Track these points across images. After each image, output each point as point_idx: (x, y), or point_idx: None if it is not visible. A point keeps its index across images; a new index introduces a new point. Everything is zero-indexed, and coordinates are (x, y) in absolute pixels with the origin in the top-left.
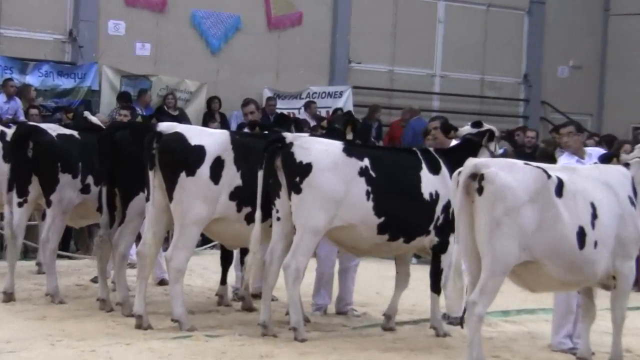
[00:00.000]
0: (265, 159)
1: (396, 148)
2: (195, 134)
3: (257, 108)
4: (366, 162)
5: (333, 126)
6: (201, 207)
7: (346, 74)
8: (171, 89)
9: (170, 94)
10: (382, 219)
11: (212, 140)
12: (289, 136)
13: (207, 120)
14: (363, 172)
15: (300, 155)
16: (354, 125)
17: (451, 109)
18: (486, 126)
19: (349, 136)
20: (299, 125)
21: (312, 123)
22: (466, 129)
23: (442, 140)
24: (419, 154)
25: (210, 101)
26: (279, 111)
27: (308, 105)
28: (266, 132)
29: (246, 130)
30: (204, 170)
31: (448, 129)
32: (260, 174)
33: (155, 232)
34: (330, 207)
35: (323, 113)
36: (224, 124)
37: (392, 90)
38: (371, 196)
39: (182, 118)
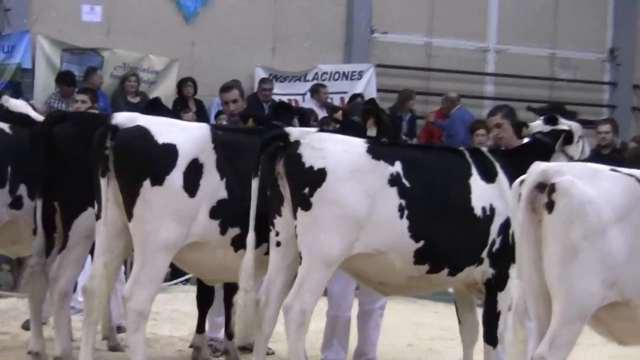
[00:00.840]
0: (261, 163)
1: (437, 147)
2: (164, 128)
3: (241, 95)
4: (398, 166)
5: (350, 119)
6: (171, 227)
7: (367, 48)
8: (130, 68)
9: (132, 75)
10: (421, 243)
11: (187, 136)
12: (294, 132)
13: (179, 109)
14: (394, 180)
15: (310, 158)
16: (379, 118)
17: (510, 95)
18: (563, 124)
19: (371, 132)
20: (304, 118)
21: (322, 114)
22: (537, 125)
23: (510, 139)
24: (467, 155)
25: (183, 84)
26: (276, 98)
27: (316, 90)
28: (261, 126)
29: (225, 122)
30: (176, 177)
31: (519, 125)
32: (255, 183)
33: (108, 261)
34: (349, 229)
35: (336, 101)
36: (202, 115)
37: (430, 69)
38: (405, 213)
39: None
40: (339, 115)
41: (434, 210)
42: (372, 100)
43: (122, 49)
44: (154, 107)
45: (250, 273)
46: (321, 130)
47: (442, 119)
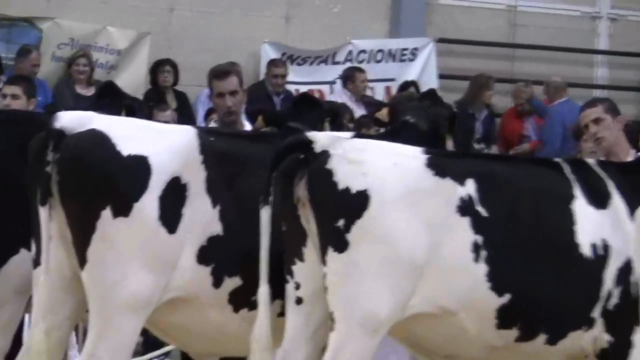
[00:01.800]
0: (273, 184)
1: (525, 159)
2: (131, 133)
3: (240, 83)
4: (471, 187)
5: (401, 118)
6: (142, 277)
7: (424, 16)
8: (81, 46)
9: (83, 56)
10: (505, 298)
11: (164, 145)
12: (320, 138)
13: (152, 105)
14: (466, 206)
15: (346, 176)
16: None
17: (630, 82)
18: None
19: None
20: (336, 116)
21: (359, 111)
22: None
23: (614, 141)
24: (568, 170)
25: (158, 69)
26: (292, 88)
27: (350, 77)
28: (275, 128)
29: (213, 124)
30: (148, 204)
31: (636, 130)
32: (265, 213)
33: (52, 327)
34: (403, 278)
35: (379, 92)
36: (185, 114)
37: (515, 45)
38: (482, 254)
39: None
40: (383, 113)
41: (522, 249)
42: (431, 91)
43: (68, 19)
44: (108, 96)
45: (266, 343)
46: (359, 135)
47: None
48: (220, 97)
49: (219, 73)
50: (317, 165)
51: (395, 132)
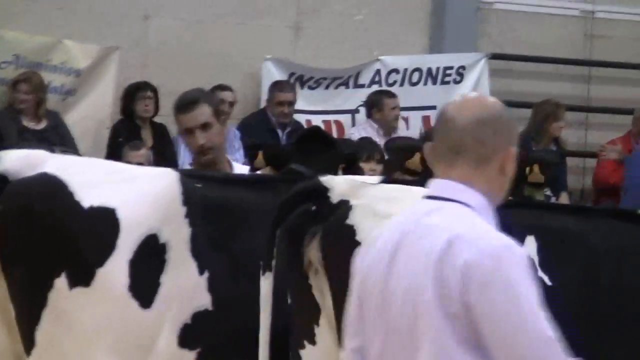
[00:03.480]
0: (278, 244)
1: (603, 210)
2: (94, 178)
3: (216, 113)
4: (532, 246)
5: None
6: None
7: (474, 25)
8: (30, 65)
9: (23, 80)
10: None
11: (137, 193)
12: (338, 184)
13: (122, 141)
14: None
15: (372, 234)
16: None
17: None
18: None
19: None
20: (354, 162)
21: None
22: None
23: None
24: None
25: (133, 95)
26: (304, 119)
27: (377, 103)
28: (278, 169)
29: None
30: (115, 269)
31: None
32: (266, 282)
33: None
34: None
35: (415, 124)
36: (164, 153)
37: (593, 63)
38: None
39: (62, 134)
40: (415, 162)
41: (599, 325)
42: None
43: (12, 30)
44: (310, 144)
45: None
46: (389, 179)
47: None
48: (188, 135)
49: (182, 104)
50: (334, 220)
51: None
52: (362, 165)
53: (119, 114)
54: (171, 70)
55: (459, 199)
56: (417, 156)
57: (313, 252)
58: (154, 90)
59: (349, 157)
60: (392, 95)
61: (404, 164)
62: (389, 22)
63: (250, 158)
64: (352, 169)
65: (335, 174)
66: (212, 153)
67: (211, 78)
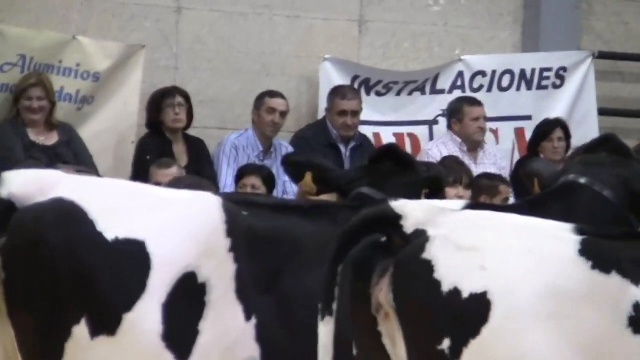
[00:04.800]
0: (340, 284)
1: None
2: (119, 205)
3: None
4: None
5: (566, 180)
6: None
7: (577, 18)
8: (38, 67)
9: (35, 85)
10: None
11: (171, 224)
12: (412, 211)
13: (150, 159)
14: None
15: (454, 271)
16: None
17: None
18: None
19: None
20: (439, 188)
21: (477, 170)
22: None
23: None
24: None
25: (162, 102)
26: (371, 131)
27: (457, 112)
28: (339, 194)
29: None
30: (146, 315)
31: None
32: (326, 327)
33: None
34: None
35: (506, 135)
36: (201, 173)
37: None
38: None
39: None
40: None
41: None
42: (611, 138)
43: (16, 26)
44: (383, 164)
45: None
46: (475, 205)
47: None
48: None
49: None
50: (408, 254)
51: (541, 204)
52: (448, 190)
53: (146, 126)
54: (207, 74)
55: None
56: (536, 180)
57: (382, 293)
58: (186, 97)
59: (434, 181)
60: (475, 102)
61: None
62: (473, 15)
63: (293, 178)
64: (438, 196)
65: (413, 184)
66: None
67: (256, 83)
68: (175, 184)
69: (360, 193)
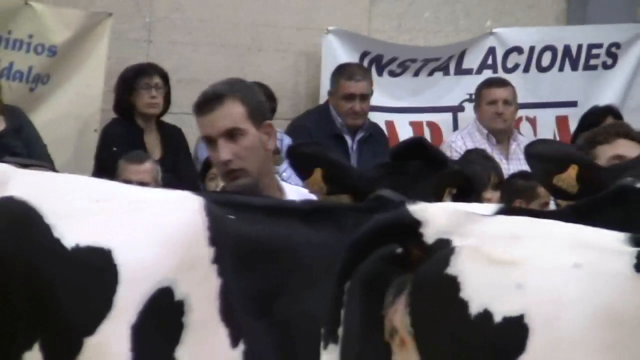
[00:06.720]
0: (347, 303)
1: None
2: (80, 205)
3: (250, 114)
4: None
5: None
6: None
7: None
8: None
9: None
10: None
11: (143, 229)
12: (434, 216)
13: (117, 149)
14: None
15: (485, 290)
16: None
17: None
18: None
19: None
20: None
21: (508, 167)
22: None
23: None
24: None
25: (136, 82)
26: (383, 119)
27: (476, 95)
28: (349, 196)
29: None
30: (112, 338)
31: None
32: (329, 356)
33: None
34: None
35: (546, 124)
36: (179, 168)
37: None
38: None
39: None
40: (568, 178)
41: None
42: None
43: None
44: (408, 160)
45: None
46: (509, 209)
47: None
48: (210, 145)
49: (203, 102)
50: (429, 269)
51: (596, 205)
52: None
53: (112, 111)
54: (186, 48)
55: None
56: (571, 170)
57: (398, 315)
58: (165, 77)
59: (463, 180)
60: (495, 82)
61: (551, 179)
62: None
63: (300, 174)
64: (469, 198)
65: (442, 199)
66: (242, 172)
67: (245, 60)
68: None
69: (380, 196)
